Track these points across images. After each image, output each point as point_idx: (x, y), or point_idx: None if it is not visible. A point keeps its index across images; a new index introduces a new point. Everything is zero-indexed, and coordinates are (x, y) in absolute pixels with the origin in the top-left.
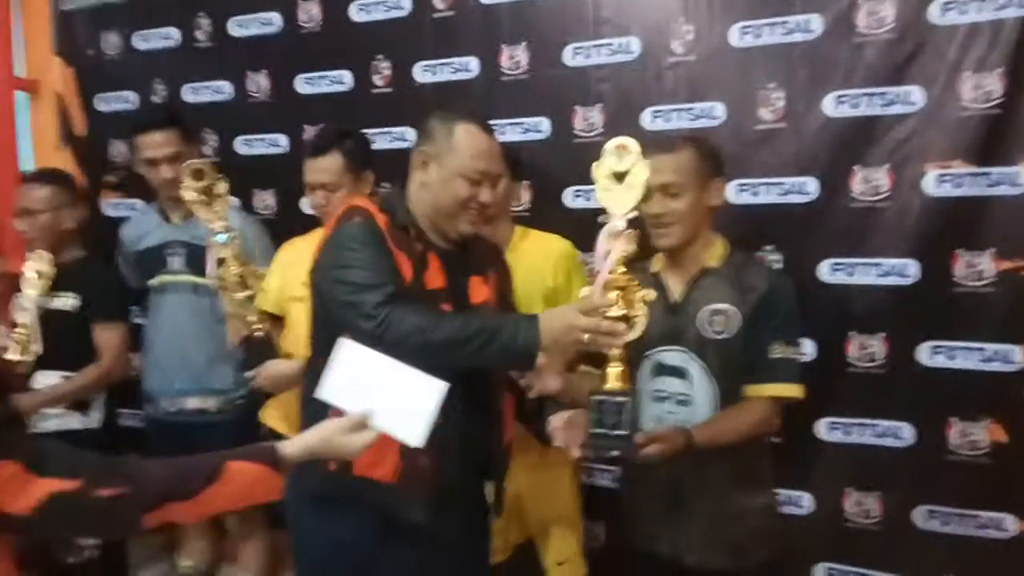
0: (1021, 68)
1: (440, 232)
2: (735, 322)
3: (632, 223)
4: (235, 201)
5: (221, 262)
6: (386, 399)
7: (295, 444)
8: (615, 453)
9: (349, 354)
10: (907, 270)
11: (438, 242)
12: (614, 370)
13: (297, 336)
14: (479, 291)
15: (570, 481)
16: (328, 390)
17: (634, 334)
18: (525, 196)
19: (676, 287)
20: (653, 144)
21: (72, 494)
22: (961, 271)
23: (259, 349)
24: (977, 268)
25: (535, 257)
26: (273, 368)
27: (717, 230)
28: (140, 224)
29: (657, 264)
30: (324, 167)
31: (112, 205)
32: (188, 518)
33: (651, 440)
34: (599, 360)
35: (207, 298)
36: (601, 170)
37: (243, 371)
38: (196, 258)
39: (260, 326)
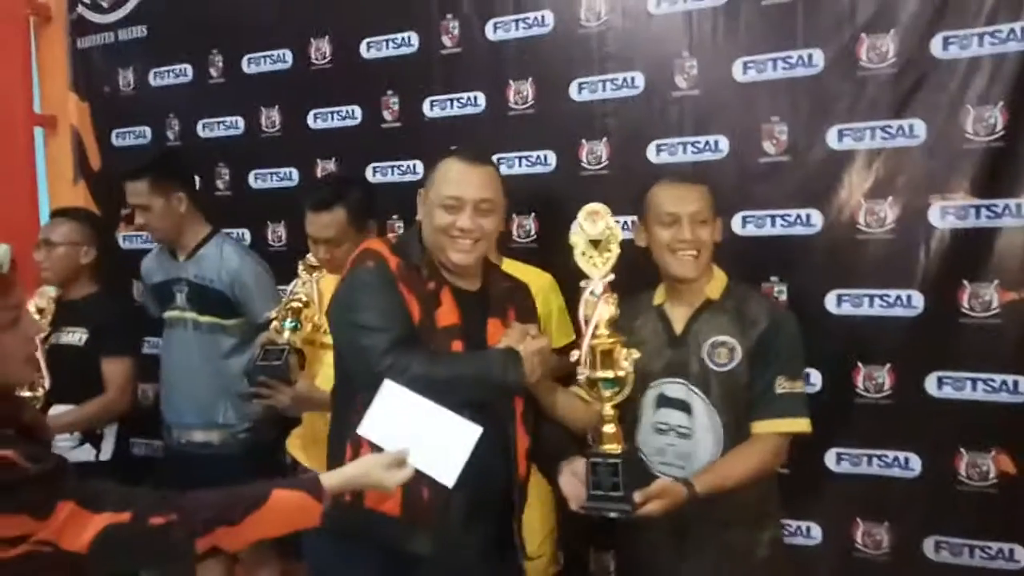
0: (1022, 101)
1: (447, 268)
2: (737, 354)
3: (611, 286)
4: (233, 243)
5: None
6: (423, 439)
7: (335, 476)
8: (613, 515)
9: (390, 394)
10: (913, 301)
11: (454, 280)
12: (607, 431)
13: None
14: (497, 333)
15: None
16: (368, 427)
17: (623, 394)
18: (532, 228)
19: (678, 320)
20: (674, 176)
21: (125, 525)
22: (967, 302)
23: (275, 358)
24: (983, 299)
25: None
26: (301, 387)
27: (724, 261)
28: (153, 259)
29: (659, 297)
30: (327, 222)
31: (128, 238)
32: (235, 543)
33: (649, 498)
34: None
35: (211, 334)
36: (577, 237)
37: (253, 377)
38: (197, 295)
39: (287, 342)
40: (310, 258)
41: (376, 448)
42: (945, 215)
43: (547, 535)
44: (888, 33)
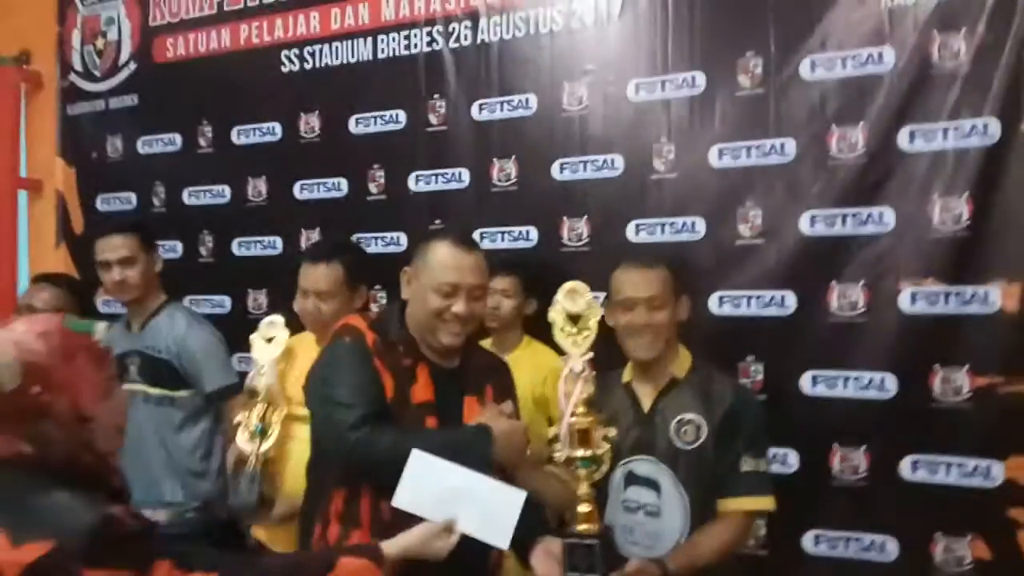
0: (986, 193)
1: (432, 347)
2: (703, 432)
3: (590, 364)
4: (185, 312)
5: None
6: (467, 505)
7: (394, 544)
8: None
9: (421, 464)
10: (886, 384)
11: (432, 357)
12: (584, 511)
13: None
14: (473, 411)
15: None
16: (403, 498)
17: (600, 473)
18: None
19: (646, 397)
20: (634, 260)
21: None
22: (938, 386)
23: (249, 481)
24: (954, 384)
25: (530, 365)
26: (278, 510)
27: (700, 339)
28: (114, 329)
29: (628, 374)
30: (322, 275)
31: (107, 303)
32: None
33: None
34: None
35: (160, 407)
36: (556, 313)
37: (233, 501)
38: (148, 367)
39: (255, 460)
40: (267, 327)
41: (409, 517)
42: (915, 300)
43: None
44: (857, 125)
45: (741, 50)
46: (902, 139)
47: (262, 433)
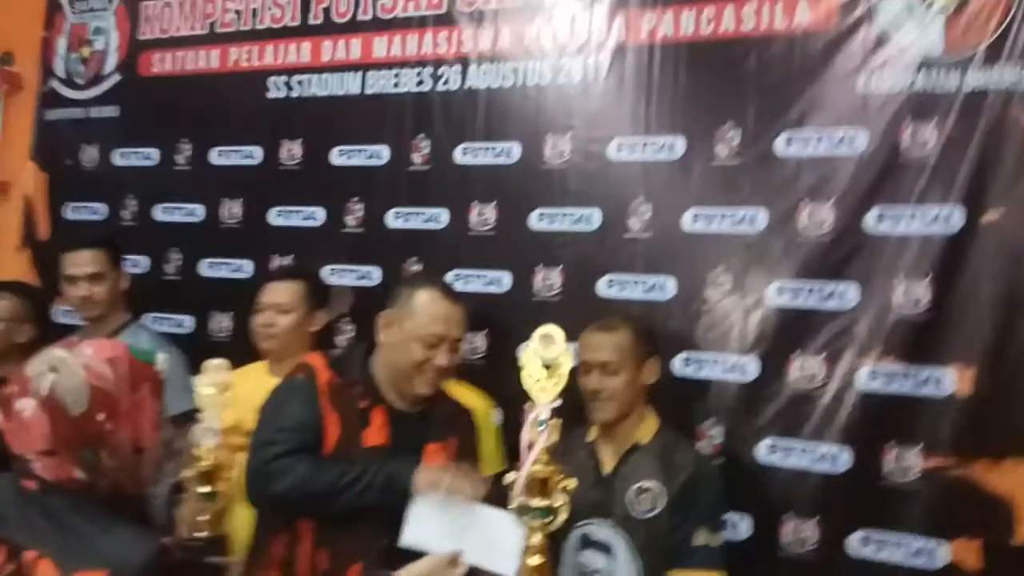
0: (947, 278)
1: (399, 392)
2: (661, 501)
3: (555, 412)
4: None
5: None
6: (473, 537)
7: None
8: None
9: (425, 504)
10: (840, 458)
11: (395, 401)
12: (535, 563)
13: None
14: (434, 459)
15: None
16: (411, 537)
17: (555, 525)
18: (482, 345)
19: (608, 459)
20: (598, 323)
21: None
22: (890, 464)
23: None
24: (906, 462)
25: None
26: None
27: (661, 400)
28: None
29: (593, 433)
30: (282, 289)
31: (66, 312)
32: None
33: None
34: None
35: None
36: (527, 359)
37: None
38: None
39: (203, 534)
40: (212, 370)
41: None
42: (873, 378)
43: None
44: (827, 203)
45: (721, 120)
46: (869, 220)
47: (211, 500)
